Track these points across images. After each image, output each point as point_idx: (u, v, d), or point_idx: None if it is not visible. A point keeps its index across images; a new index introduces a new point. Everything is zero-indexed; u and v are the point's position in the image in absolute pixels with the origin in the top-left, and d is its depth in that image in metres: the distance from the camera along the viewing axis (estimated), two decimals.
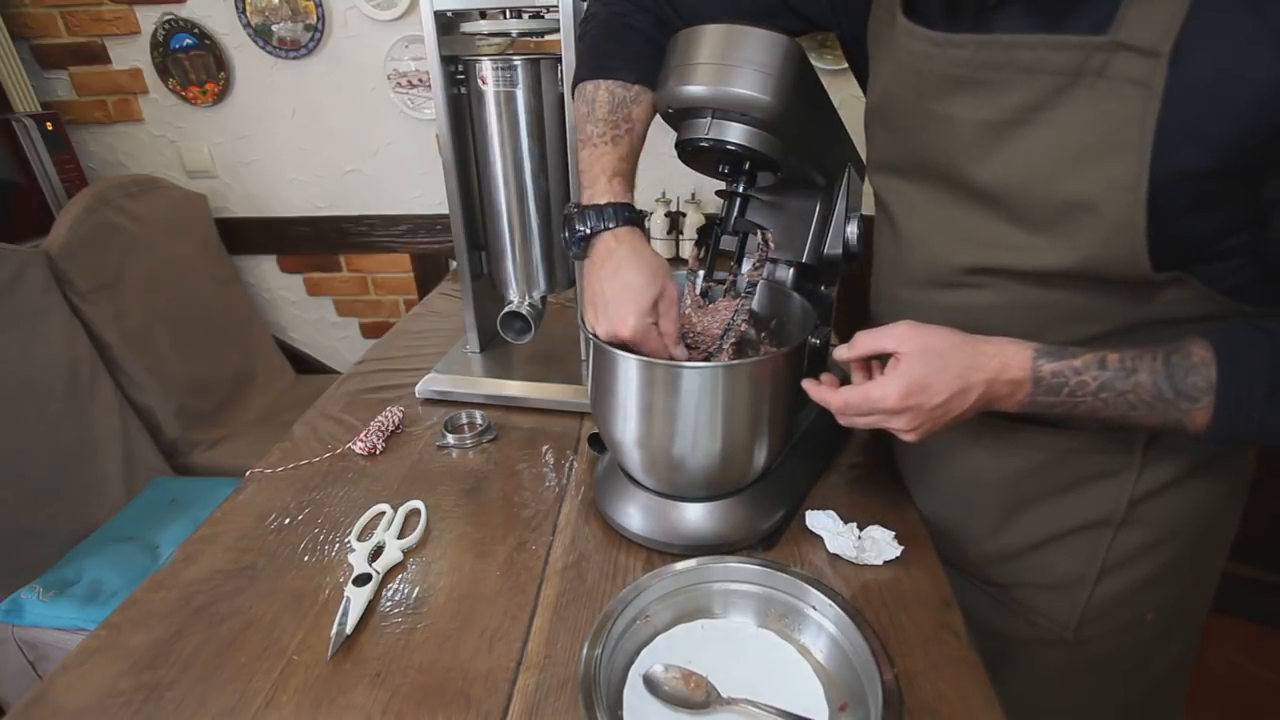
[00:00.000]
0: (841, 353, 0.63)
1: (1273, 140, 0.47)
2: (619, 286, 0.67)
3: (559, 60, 0.92)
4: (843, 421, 0.64)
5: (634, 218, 0.70)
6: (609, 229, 0.69)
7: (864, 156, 0.87)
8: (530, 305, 1.04)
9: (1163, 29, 0.48)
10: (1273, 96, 0.46)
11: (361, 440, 0.93)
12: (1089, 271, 0.57)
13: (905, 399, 0.58)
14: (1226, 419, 0.53)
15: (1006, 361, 0.57)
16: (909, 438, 0.61)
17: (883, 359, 0.63)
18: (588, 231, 0.69)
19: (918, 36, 0.60)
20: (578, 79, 0.75)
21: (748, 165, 0.69)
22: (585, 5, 0.90)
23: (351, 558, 0.73)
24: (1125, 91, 0.50)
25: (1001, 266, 0.62)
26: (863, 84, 0.75)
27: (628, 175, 0.72)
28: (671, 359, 0.69)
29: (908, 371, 0.58)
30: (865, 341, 0.61)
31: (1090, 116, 0.52)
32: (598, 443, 0.88)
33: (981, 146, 0.58)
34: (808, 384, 0.66)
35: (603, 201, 0.69)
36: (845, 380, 0.66)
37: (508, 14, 0.94)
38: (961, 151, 0.60)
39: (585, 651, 0.56)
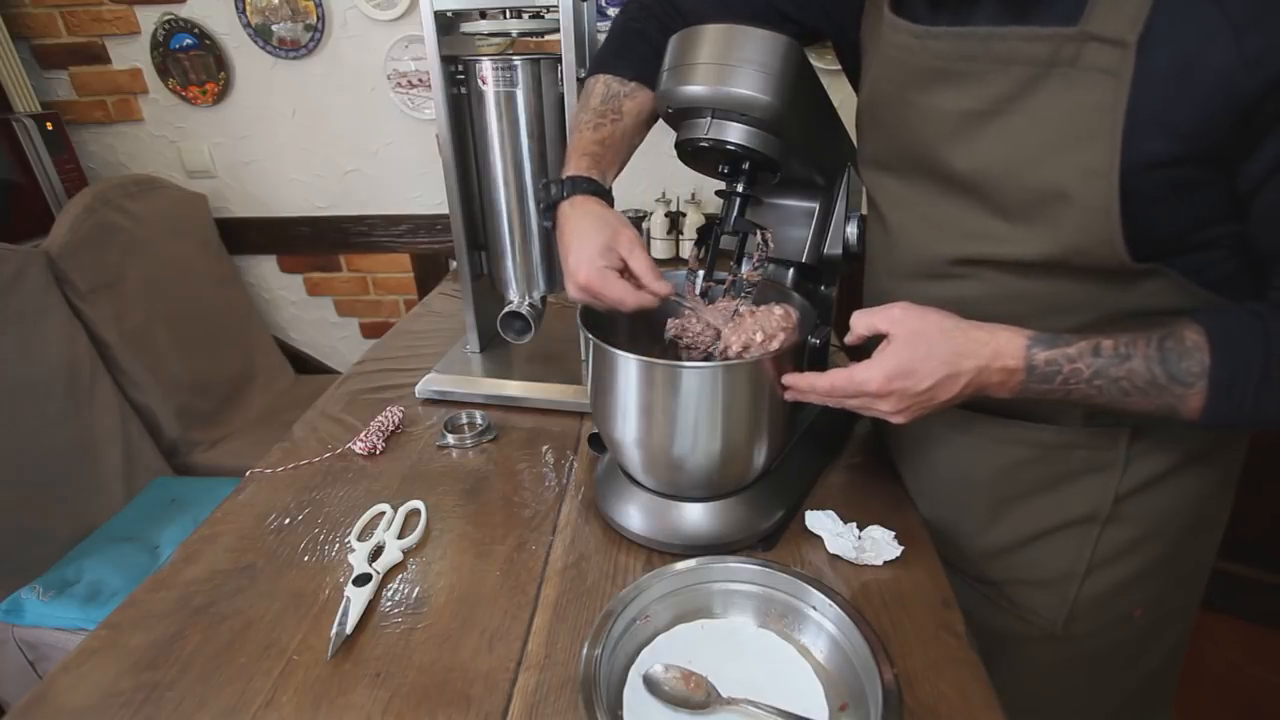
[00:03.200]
0: (849, 337, 0.65)
1: (1237, 127, 0.49)
2: (571, 242, 0.68)
3: (559, 60, 0.92)
4: (832, 404, 0.65)
5: (592, 189, 0.72)
6: (565, 198, 0.71)
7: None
8: (530, 305, 1.04)
9: (1130, 20, 0.49)
10: (1232, 85, 0.47)
11: (361, 440, 0.93)
12: (1069, 260, 0.57)
13: (889, 383, 0.59)
14: (1219, 403, 0.54)
15: (1000, 349, 0.58)
16: (896, 420, 0.62)
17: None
18: (549, 203, 0.72)
19: (900, 30, 0.62)
20: (585, 77, 0.79)
21: (747, 165, 0.69)
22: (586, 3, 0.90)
23: (351, 558, 0.73)
24: (1096, 81, 0.51)
25: (985, 257, 0.63)
26: (857, 88, 0.76)
27: (598, 155, 0.74)
28: (654, 295, 0.68)
29: (893, 356, 0.59)
30: (861, 321, 0.62)
31: (1063, 106, 0.53)
32: (598, 443, 0.88)
33: (961, 136, 0.60)
34: (790, 378, 0.67)
35: (564, 177, 0.72)
36: None
37: (508, 14, 0.94)
38: (942, 141, 0.61)
39: (585, 651, 0.56)
